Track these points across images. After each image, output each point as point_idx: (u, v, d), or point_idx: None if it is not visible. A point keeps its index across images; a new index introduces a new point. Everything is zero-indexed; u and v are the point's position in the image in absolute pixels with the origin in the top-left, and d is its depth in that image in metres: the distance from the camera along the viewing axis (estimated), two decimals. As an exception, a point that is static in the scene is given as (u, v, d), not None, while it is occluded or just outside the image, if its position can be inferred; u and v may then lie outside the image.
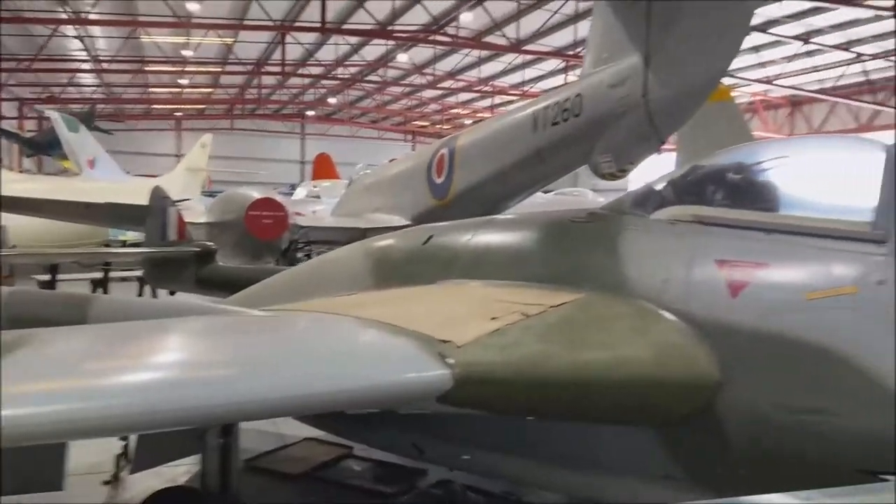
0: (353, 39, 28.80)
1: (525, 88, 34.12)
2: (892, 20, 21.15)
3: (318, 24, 22.98)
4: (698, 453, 3.54)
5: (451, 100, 40.75)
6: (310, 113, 46.73)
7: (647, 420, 3.55)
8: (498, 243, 4.63)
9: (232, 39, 28.81)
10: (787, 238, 3.60)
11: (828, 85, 29.24)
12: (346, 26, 25.88)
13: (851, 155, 3.85)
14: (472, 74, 34.06)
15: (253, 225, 10.42)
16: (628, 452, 3.76)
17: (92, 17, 24.47)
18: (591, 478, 3.95)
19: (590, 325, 3.53)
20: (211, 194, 23.11)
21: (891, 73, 28.18)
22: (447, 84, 36.07)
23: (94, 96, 38.11)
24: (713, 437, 3.45)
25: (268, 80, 36.90)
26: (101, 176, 25.16)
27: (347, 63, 33.53)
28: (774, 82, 28.90)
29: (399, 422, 4.43)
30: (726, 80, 29.65)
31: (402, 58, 31.63)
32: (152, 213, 9.64)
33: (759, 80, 29.77)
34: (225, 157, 42.21)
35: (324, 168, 35.62)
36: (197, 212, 14.96)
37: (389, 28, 25.84)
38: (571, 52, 27.35)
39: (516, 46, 26.59)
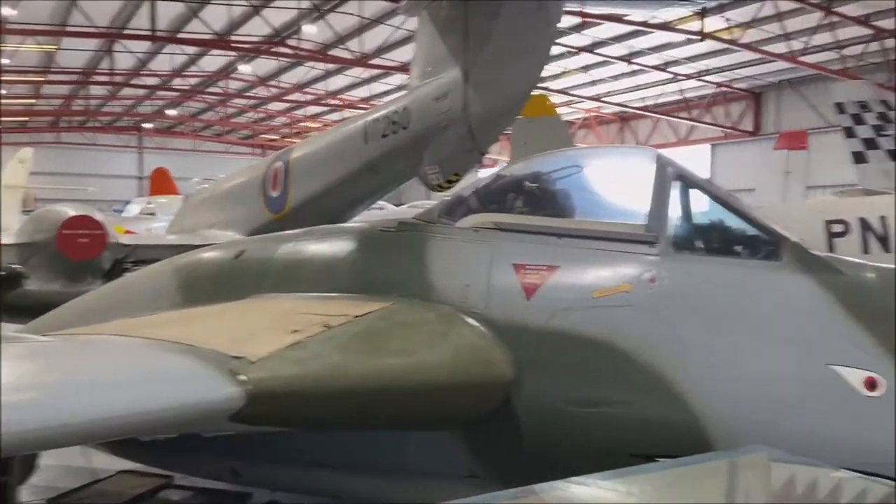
0: (191, 49, 27.61)
1: (374, 102, 34.25)
2: (701, 43, 23.38)
3: (149, 33, 21.79)
4: (497, 450, 3.68)
5: (300, 113, 40.10)
6: (147, 126, 44.19)
7: (448, 422, 3.64)
8: (309, 256, 4.58)
9: (54, 47, 26.69)
10: (576, 242, 3.84)
11: (650, 102, 31.70)
12: (180, 35, 24.77)
13: (632, 163, 4.18)
14: (320, 87, 33.73)
15: (66, 245, 9.60)
16: (436, 456, 3.83)
17: None
18: (403, 484, 3.99)
19: (391, 332, 3.57)
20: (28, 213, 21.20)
21: (703, 92, 31.16)
22: (295, 97, 35.46)
23: None
24: (510, 433, 3.59)
25: (98, 90, 34.51)
26: None
27: (186, 74, 32.09)
28: (604, 99, 30.93)
29: (209, 445, 4.23)
30: (561, 98, 31.54)
31: (245, 69, 30.74)
32: (-54, 235, 8.65)
33: (591, 98, 31.81)
34: (52, 174, 39.22)
35: (161, 183, 33.73)
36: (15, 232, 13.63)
37: (228, 38, 25.03)
38: (416, 68, 27.75)
39: (361, 60, 26.64)
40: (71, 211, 10.20)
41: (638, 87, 29.98)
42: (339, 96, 35.20)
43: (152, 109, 40.56)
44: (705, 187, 3.90)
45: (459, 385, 3.46)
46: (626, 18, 21.63)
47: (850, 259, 3.65)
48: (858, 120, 15.75)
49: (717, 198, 3.86)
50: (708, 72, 28.30)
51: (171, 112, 40.59)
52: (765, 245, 3.64)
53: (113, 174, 45.93)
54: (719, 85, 29.97)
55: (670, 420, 3.35)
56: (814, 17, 21.27)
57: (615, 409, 3.44)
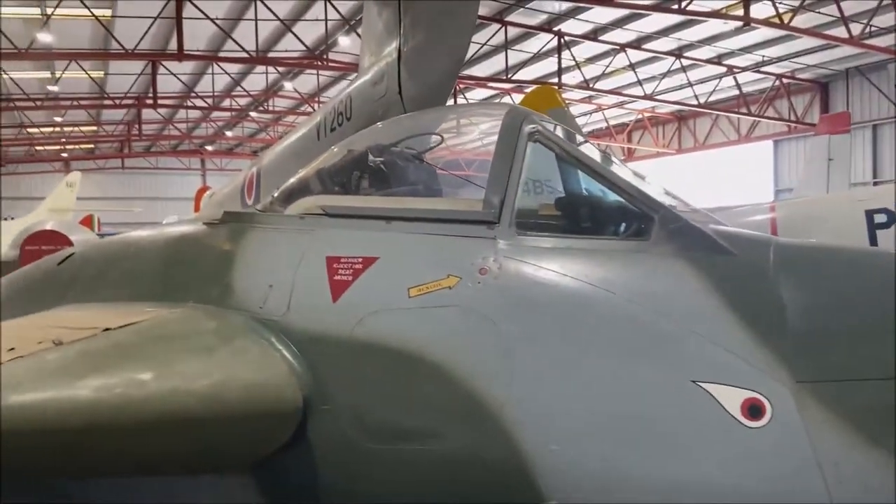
0: (233, 70, 27.91)
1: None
2: (754, 32, 21.74)
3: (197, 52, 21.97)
4: (294, 494, 2.86)
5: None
6: (208, 148, 45.23)
7: (209, 464, 2.82)
8: (120, 257, 3.86)
9: (101, 73, 27.41)
10: (404, 226, 3.00)
11: (704, 100, 29.85)
12: (221, 54, 25.00)
13: (484, 123, 3.30)
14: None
15: (30, 260, 9.37)
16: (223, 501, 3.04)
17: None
18: None
19: (135, 351, 2.73)
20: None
21: (762, 85, 29.10)
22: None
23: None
24: (303, 474, 2.77)
25: (152, 114, 35.43)
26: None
27: (234, 94, 32.50)
28: (658, 98, 29.27)
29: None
30: (613, 99, 30.14)
31: (288, 87, 30.91)
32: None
33: (644, 98, 30.18)
34: (119, 198, 41.41)
35: (205, 202, 34.27)
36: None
37: (269, 56, 25.13)
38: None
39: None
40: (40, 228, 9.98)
41: (691, 84, 28.28)
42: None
43: (211, 132, 41.42)
44: (567, 150, 2.98)
45: (217, 416, 2.64)
46: (671, 7, 20.26)
47: (751, 233, 2.66)
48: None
49: (582, 163, 2.94)
50: (765, 62, 26.42)
51: (228, 133, 41.36)
52: (631, 219, 2.71)
53: (177, 196, 47.31)
54: (779, 76, 27.94)
55: (491, 460, 2.46)
56: (874, -5, 19.36)
57: (424, 444, 2.57)
